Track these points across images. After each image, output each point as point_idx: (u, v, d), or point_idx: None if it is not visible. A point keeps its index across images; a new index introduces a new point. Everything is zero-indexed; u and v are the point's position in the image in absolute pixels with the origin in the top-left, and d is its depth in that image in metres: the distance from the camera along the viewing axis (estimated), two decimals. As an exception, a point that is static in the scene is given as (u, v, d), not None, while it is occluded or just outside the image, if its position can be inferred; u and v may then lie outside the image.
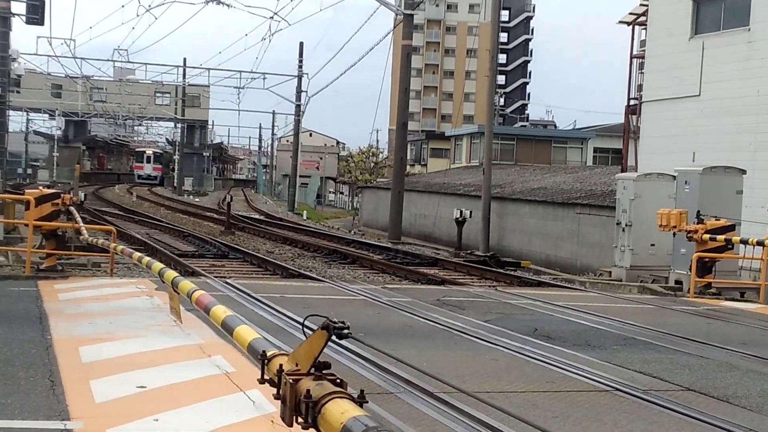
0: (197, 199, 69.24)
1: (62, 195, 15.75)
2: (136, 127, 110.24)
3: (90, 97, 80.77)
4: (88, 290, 13.64)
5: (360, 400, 3.41)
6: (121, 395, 7.30)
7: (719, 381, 9.10)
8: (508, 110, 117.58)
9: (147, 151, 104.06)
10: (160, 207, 53.05)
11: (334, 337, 3.65)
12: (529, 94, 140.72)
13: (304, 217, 55.64)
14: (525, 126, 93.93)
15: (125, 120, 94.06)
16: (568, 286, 20.13)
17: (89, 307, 11.86)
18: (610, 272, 22.52)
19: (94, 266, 17.45)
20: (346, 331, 3.52)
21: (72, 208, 16.34)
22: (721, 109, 26.61)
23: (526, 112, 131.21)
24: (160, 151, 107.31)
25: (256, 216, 48.43)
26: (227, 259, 24.09)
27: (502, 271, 24.01)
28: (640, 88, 34.91)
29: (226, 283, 15.17)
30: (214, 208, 53.55)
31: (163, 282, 8.91)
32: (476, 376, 8.52)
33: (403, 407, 7.29)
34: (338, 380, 3.58)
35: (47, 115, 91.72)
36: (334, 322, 3.55)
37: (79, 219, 16.37)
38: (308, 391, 3.50)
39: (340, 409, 3.27)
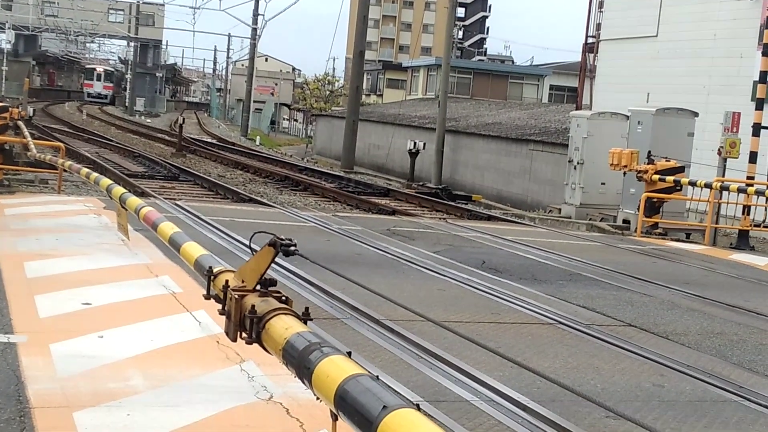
0: (149, 120, 68.34)
1: (10, 109, 15.47)
2: (88, 44, 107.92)
3: (41, 11, 78.83)
4: (34, 206, 13.47)
5: (305, 318, 3.42)
6: (65, 311, 7.26)
7: (660, 318, 9.27)
8: (467, 43, 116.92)
9: (97, 69, 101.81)
10: (110, 126, 52.30)
11: (282, 259, 3.65)
12: (488, 28, 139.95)
13: (257, 143, 55.21)
14: (482, 60, 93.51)
15: (77, 36, 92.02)
16: (518, 221, 20.28)
17: (36, 223, 11.72)
18: (560, 209, 22.70)
19: (42, 183, 17.21)
20: (293, 248, 3.51)
21: (20, 123, 16.07)
22: (678, 50, 26.70)
23: (485, 46, 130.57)
24: (112, 69, 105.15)
25: (209, 139, 47.97)
26: (178, 181, 23.93)
27: (453, 203, 24.11)
28: (599, 26, 34.88)
29: (176, 205, 15.06)
30: (166, 129, 52.93)
31: (111, 198, 8.81)
32: (423, 305, 8.59)
33: (349, 332, 7.35)
34: (283, 297, 3.58)
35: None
36: (281, 239, 3.54)
37: (27, 134, 16.09)
38: (253, 306, 3.50)
39: (285, 325, 3.27)
